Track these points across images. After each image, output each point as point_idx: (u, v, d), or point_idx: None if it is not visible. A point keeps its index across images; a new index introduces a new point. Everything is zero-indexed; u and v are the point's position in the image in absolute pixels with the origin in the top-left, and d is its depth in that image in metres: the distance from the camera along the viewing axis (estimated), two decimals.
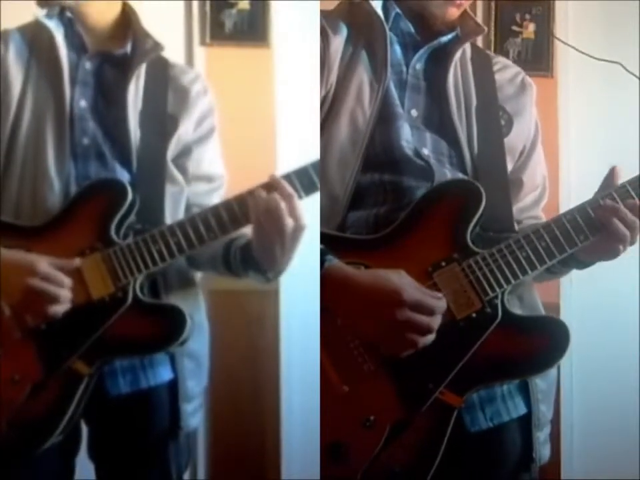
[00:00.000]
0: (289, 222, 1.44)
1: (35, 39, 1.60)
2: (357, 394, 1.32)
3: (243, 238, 1.56)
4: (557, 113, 2.50)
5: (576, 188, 2.42)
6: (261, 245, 1.50)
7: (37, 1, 1.59)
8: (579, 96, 2.55)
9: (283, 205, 1.44)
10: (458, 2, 1.45)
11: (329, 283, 1.30)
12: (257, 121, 2.40)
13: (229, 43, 2.54)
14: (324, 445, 1.31)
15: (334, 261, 1.32)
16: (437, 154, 1.46)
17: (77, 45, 1.60)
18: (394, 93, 1.46)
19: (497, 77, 1.55)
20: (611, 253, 1.39)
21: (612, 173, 1.40)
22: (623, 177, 1.41)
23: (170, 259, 1.50)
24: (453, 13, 1.46)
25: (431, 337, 1.29)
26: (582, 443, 2.51)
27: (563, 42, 2.49)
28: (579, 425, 2.49)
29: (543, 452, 1.48)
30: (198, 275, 1.72)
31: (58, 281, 1.45)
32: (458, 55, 1.49)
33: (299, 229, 1.45)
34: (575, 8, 2.56)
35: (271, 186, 1.47)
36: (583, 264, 1.45)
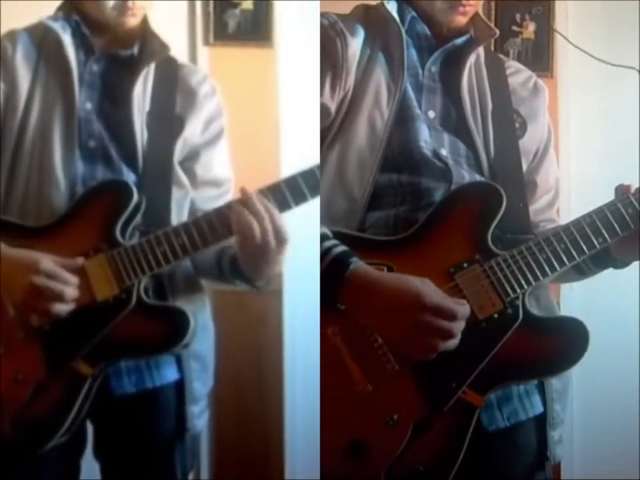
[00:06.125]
0: (261, 241, 1.43)
1: (43, 39, 1.58)
2: (380, 392, 1.32)
3: (233, 247, 1.53)
4: (557, 113, 2.50)
5: (576, 188, 2.43)
6: (243, 259, 1.50)
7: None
8: (579, 96, 2.56)
9: (255, 225, 1.43)
10: (462, 9, 1.46)
11: (354, 285, 1.30)
12: (260, 121, 2.40)
13: (232, 43, 2.53)
14: (346, 443, 1.31)
15: (359, 263, 1.32)
16: (454, 155, 1.46)
17: (84, 45, 1.59)
18: (411, 94, 1.47)
19: (510, 80, 1.56)
20: None
21: (620, 190, 1.40)
22: (623, 177, 1.43)
23: (174, 261, 1.49)
24: (459, 20, 1.47)
25: (453, 342, 1.30)
26: (582, 443, 2.51)
27: (568, 41, 2.49)
28: (579, 425, 2.49)
29: (557, 451, 1.49)
30: None
31: (62, 278, 1.44)
32: (472, 58, 1.50)
33: (279, 243, 1.44)
34: (575, 8, 2.57)
35: (244, 202, 1.45)
36: (622, 263, 1.47)
